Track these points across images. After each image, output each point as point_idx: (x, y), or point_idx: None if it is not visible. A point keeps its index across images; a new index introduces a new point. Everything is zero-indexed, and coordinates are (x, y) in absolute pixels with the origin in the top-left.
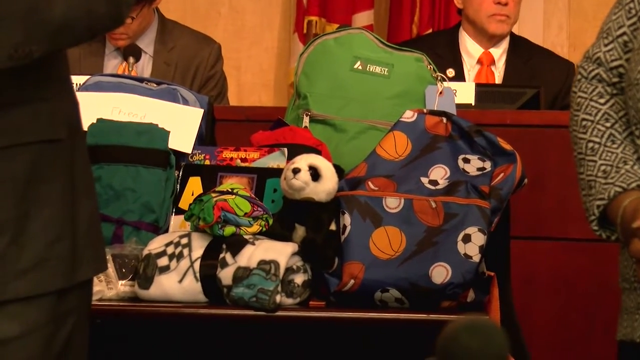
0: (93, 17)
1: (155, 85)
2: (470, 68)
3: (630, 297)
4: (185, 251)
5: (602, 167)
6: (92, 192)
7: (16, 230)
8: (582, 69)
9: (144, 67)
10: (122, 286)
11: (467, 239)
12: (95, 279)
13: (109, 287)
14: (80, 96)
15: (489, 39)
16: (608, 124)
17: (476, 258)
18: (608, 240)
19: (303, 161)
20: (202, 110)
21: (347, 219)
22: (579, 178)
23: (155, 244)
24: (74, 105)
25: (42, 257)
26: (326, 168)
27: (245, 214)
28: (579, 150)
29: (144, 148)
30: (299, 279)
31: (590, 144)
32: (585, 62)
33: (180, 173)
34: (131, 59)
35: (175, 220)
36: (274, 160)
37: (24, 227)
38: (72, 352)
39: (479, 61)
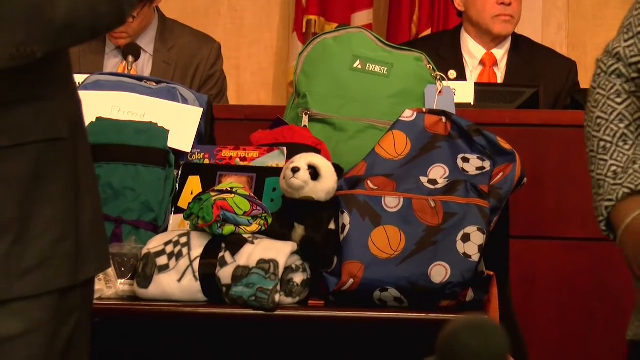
0: (96, 16)
1: (154, 84)
2: (472, 69)
3: None
4: (185, 250)
5: (612, 168)
6: (95, 191)
7: (20, 229)
8: (601, 63)
9: (144, 66)
10: (121, 285)
11: (466, 238)
12: None
13: (108, 286)
14: (80, 95)
15: (493, 40)
16: (622, 125)
17: (475, 257)
18: (609, 239)
19: (302, 160)
20: (201, 109)
21: (346, 218)
22: (590, 175)
23: (155, 243)
24: (77, 103)
25: (46, 256)
26: (325, 167)
27: (245, 213)
28: (591, 148)
29: (143, 147)
30: (298, 278)
31: (602, 143)
32: (605, 57)
33: (180, 172)
34: (130, 58)
35: (175, 219)
36: (273, 159)
37: (28, 226)
38: (75, 350)
39: (482, 62)
